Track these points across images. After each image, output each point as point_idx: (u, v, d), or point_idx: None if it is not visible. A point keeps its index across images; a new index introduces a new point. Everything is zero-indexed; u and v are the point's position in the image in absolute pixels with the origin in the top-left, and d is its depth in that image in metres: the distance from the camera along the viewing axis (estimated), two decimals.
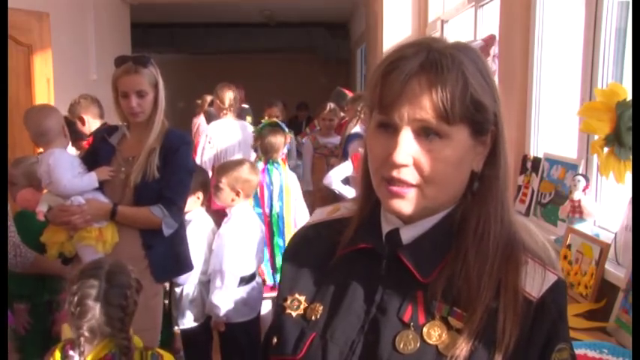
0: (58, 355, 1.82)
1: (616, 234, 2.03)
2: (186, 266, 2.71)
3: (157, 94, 2.48)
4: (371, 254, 0.93)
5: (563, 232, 2.30)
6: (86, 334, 1.76)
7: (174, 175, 2.47)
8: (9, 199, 2.90)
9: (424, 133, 0.84)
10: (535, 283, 0.87)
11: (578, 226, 2.21)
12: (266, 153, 3.77)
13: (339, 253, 0.96)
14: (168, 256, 2.49)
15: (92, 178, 2.47)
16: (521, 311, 0.84)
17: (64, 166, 2.44)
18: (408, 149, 0.84)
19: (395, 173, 0.85)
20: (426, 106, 0.82)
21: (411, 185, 0.85)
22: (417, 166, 0.84)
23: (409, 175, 0.85)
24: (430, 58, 0.84)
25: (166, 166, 2.45)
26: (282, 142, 3.80)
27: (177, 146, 2.49)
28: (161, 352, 1.93)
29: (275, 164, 3.77)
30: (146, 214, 2.43)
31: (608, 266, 2.00)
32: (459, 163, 0.87)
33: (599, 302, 1.96)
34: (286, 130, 3.90)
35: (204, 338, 3.25)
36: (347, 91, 5.72)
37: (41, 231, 2.54)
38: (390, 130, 0.86)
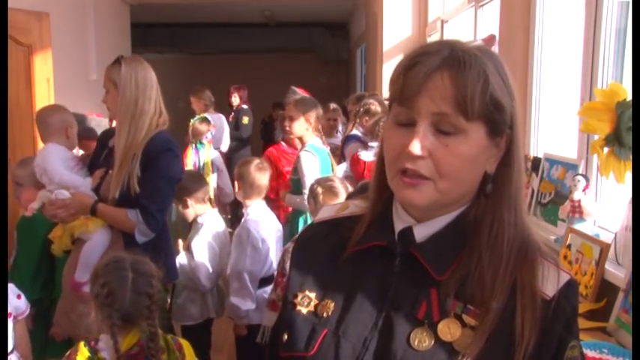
0: (84, 350, 1.85)
1: (616, 234, 2.03)
2: (169, 275, 2.69)
3: (118, 93, 2.45)
4: (383, 252, 0.93)
5: (563, 232, 2.30)
6: (118, 322, 1.82)
7: (151, 183, 2.43)
8: (14, 198, 2.91)
9: (442, 128, 0.85)
10: (550, 283, 0.88)
11: (578, 226, 2.21)
12: (194, 136, 5.56)
13: (350, 251, 0.96)
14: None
15: (88, 182, 2.55)
16: (539, 313, 0.86)
17: (56, 159, 2.52)
18: (424, 141, 0.85)
19: (410, 164, 0.86)
20: (446, 100, 0.84)
21: (425, 178, 0.86)
22: (433, 159, 0.85)
23: (424, 167, 0.86)
24: (453, 55, 0.85)
25: (146, 172, 2.42)
26: (206, 129, 5.61)
27: (159, 152, 2.44)
28: (179, 339, 2.03)
29: (201, 144, 5.58)
30: (122, 216, 2.44)
31: (608, 266, 2.00)
32: (474, 161, 0.87)
33: (599, 302, 1.96)
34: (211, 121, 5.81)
35: (202, 337, 3.26)
36: (301, 90, 5.70)
37: (45, 236, 2.61)
38: (408, 124, 0.87)
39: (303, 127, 3.68)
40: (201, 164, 5.52)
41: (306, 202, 3.46)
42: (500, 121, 0.88)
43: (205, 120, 5.77)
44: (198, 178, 3.46)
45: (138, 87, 2.44)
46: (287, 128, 3.78)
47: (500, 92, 0.86)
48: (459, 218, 0.91)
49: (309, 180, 3.48)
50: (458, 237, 0.91)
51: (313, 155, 3.56)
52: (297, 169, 3.64)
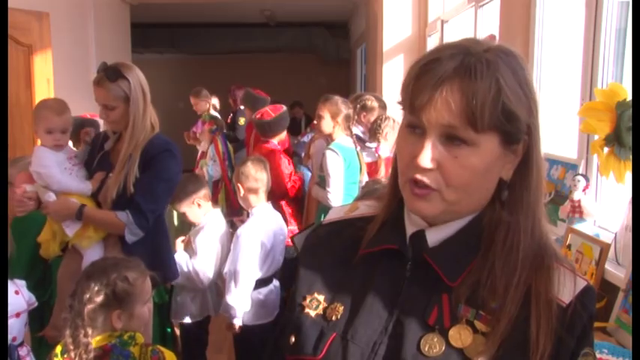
0: (59, 346, 1.86)
1: (616, 234, 2.03)
2: (169, 275, 2.69)
3: (129, 107, 2.43)
4: (394, 255, 0.92)
5: (563, 232, 2.29)
6: (65, 321, 1.85)
7: (147, 182, 2.42)
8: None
9: (451, 138, 0.83)
10: (566, 290, 0.87)
11: (578, 226, 2.21)
12: (222, 128, 5.97)
13: (361, 253, 0.95)
14: (150, 264, 2.37)
15: (87, 187, 2.49)
16: (555, 320, 0.84)
17: (51, 164, 2.45)
18: (432, 153, 0.83)
19: (418, 176, 0.84)
20: (454, 112, 0.81)
21: (433, 189, 0.85)
22: (442, 170, 0.84)
23: (432, 178, 0.84)
24: (465, 63, 0.82)
25: (143, 172, 2.42)
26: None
27: (156, 153, 2.44)
28: (162, 349, 1.95)
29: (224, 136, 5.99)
30: (111, 217, 2.41)
31: (608, 266, 2.00)
32: (485, 172, 0.85)
33: (599, 302, 1.96)
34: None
35: (200, 336, 3.26)
36: (257, 92, 5.71)
37: (38, 235, 2.55)
38: (418, 131, 0.85)
39: (330, 125, 3.75)
40: (230, 154, 5.93)
41: (329, 199, 3.58)
42: (515, 131, 0.85)
43: (215, 117, 6.28)
44: (198, 179, 3.47)
45: (144, 94, 2.47)
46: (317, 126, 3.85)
47: (515, 101, 0.83)
48: (473, 223, 0.90)
49: (333, 178, 3.59)
50: (471, 242, 0.89)
51: (337, 154, 3.62)
52: (322, 167, 3.71)
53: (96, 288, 1.87)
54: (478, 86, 0.81)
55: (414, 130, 0.86)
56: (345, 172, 3.63)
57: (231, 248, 3.00)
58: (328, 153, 3.64)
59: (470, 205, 0.88)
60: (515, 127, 0.84)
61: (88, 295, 1.85)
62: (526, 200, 0.89)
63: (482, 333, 0.85)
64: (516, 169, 0.89)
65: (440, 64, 0.82)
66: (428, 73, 0.83)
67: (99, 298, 1.86)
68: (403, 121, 0.89)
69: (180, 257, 3.06)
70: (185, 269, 3.03)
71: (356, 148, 3.77)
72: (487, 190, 0.89)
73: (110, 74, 2.42)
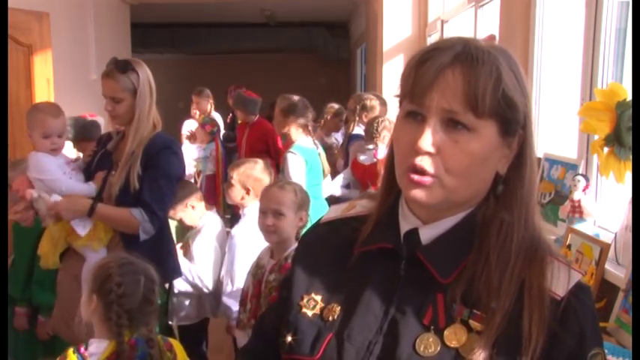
0: (73, 357, 1.82)
1: (616, 234, 2.03)
2: (173, 274, 2.69)
3: (136, 101, 2.43)
4: (389, 254, 0.92)
5: (563, 232, 2.29)
6: (126, 323, 1.82)
7: (153, 181, 2.42)
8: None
9: (452, 123, 0.83)
10: (560, 283, 0.86)
11: (578, 226, 2.21)
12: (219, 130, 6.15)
13: (356, 252, 0.95)
14: (151, 262, 2.42)
15: (92, 188, 2.47)
16: (548, 313, 0.84)
17: (55, 169, 2.42)
18: (433, 137, 0.83)
19: (418, 160, 0.84)
20: (456, 96, 0.82)
21: (432, 175, 0.84)
22: (442, 155, 0.84)
23: (432, 163, 0.84)
24: (466, 51, 0.84)
25: (146, 171, 2.42)
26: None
27: (158, 150, 2.44)
28: (169, 338, 2.01)
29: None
30: (126, 215, 2.39)
31: (608, 266, 2.00)
32: (484, 160, 0.86)
33: (599, 302, 1.96)
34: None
35: (198, 337, 3.26)
36: (247, 94, 5.71)
37: (38, 239, 2.53)
38: (418, 118, 0.85)
39: (281, 127, 3.77)
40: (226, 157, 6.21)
41: None
42: (513, 120, 0.86)
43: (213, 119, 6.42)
44: (187, 183, 3.47)
45: (151, 90, 2.48)
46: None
47: (514, 90, 0.85)
48: (467, 219, 0.90)
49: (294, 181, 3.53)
50: (465, 239, 0.89)
51: (298, 156, 3.58)
52: (283, 170, 3.66)
53: (155, 287, 1.89)
54: (480, 71, 0.82)
55: (414, 117, 0.86)
56: (307, 174, 3.57)
57: (226, 249, 3.00)
58: (289, 156, 3.59)
59: (467, 194, 0.88)
60: (513, 114, 0.85)
61: (154, 296, 1.87)
62: (519, 195, 0.89)
63: (476, 332, 0.85)
64: (511, 165, 0.90)
65: (441, 52, 0.84)
66: (429, 60, 0.84)
67: (154, 296, 1.89)
68: (401, 112, 0.89)
69: (182, 264, 3.05)
70: (190, 277, 3.02)
71: (317, 149, 3.76)
72: (484, 182, 0.89)
73: (121, 66, 2.44)
